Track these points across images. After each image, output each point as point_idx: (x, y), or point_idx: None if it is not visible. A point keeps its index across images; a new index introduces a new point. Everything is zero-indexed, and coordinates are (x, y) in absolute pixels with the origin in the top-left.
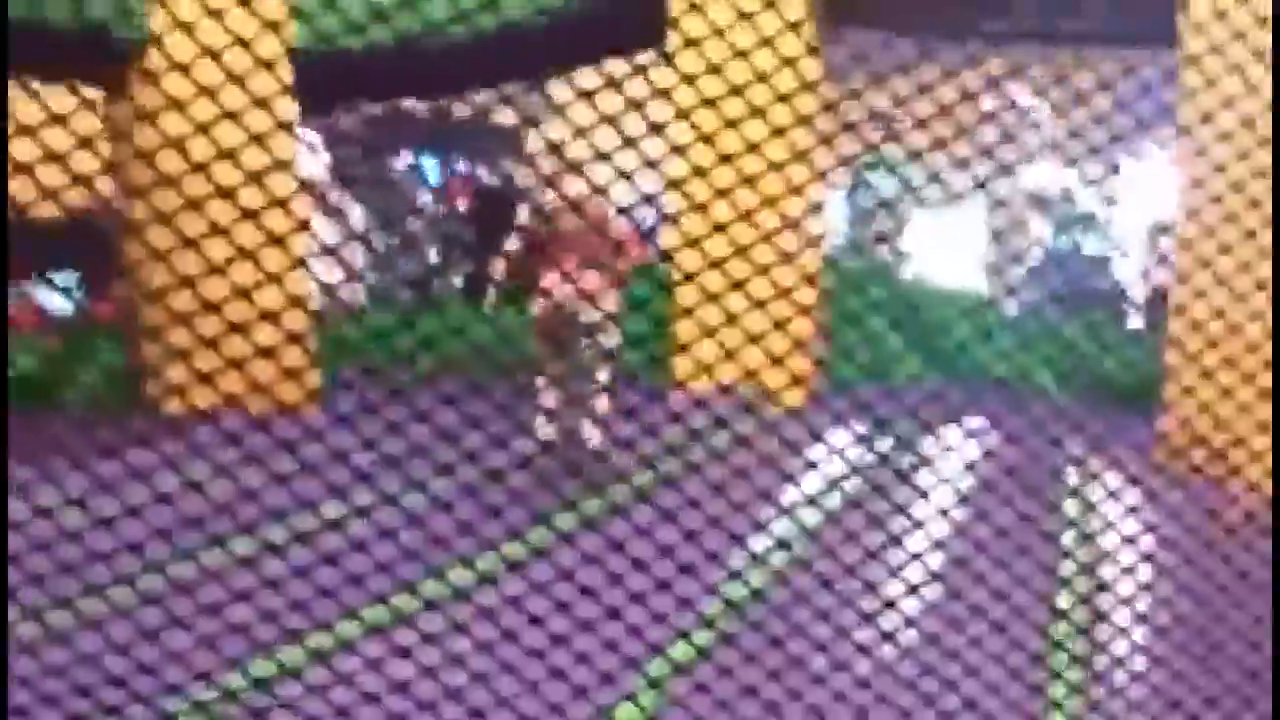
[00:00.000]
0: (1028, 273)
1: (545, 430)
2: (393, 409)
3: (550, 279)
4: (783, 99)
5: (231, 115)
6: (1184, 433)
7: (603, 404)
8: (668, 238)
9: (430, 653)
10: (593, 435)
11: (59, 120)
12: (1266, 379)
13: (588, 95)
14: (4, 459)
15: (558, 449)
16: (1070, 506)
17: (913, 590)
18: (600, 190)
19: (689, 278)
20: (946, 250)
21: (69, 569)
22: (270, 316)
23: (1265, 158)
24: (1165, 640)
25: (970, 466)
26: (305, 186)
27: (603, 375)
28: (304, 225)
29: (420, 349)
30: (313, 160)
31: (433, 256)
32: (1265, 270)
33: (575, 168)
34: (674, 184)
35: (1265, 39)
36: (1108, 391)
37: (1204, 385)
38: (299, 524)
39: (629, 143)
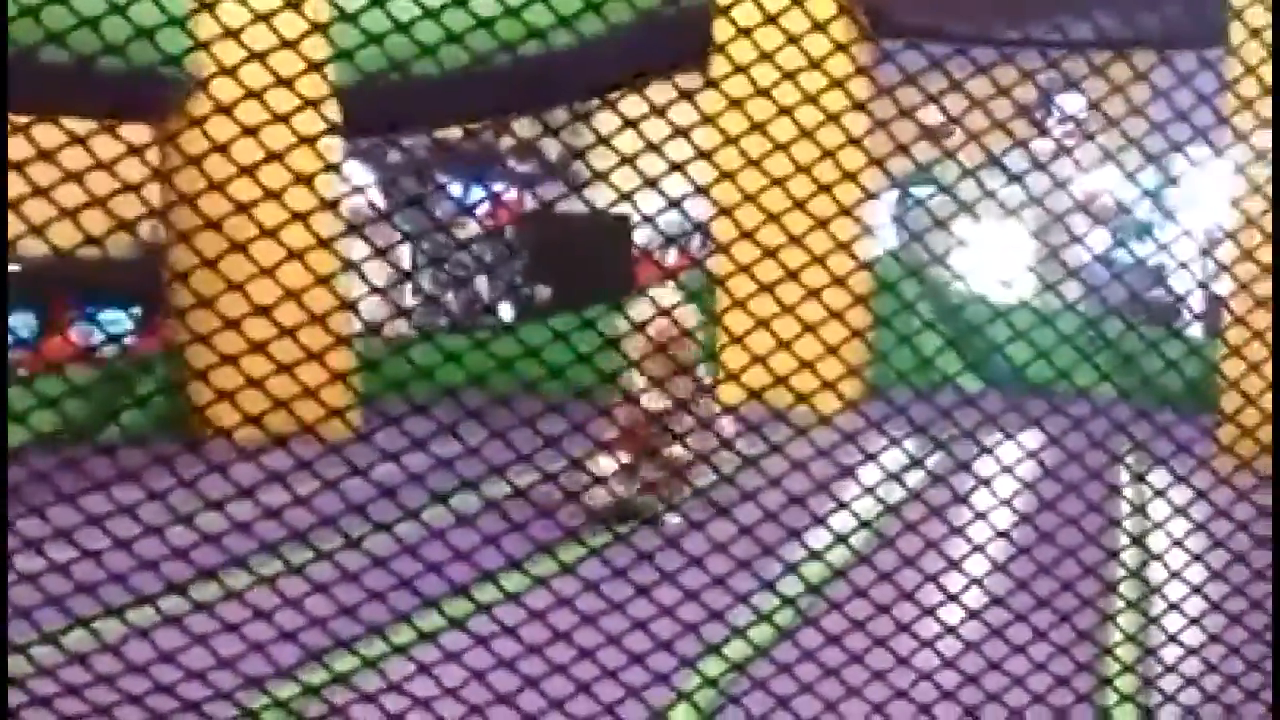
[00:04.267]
0: (1084, 284)
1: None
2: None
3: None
4: (832, 118)
5: (276, 156)
6: (1243, 441)
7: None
8: (713, 262)
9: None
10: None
11: (104, 166)
12: None
13: (632, 124)
14: (4, 462)
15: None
16: (1125, 514)
17: (972, 583)
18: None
19: (738, 303)
20: (1000, 262)
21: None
22: (312, 352)
23: None
24: (1219, 645)
25: (1021, 476)
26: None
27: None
28: (350, 265)
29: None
30: (359, 196)
31: (482, 287)
32: None
33: (624, 196)
34: (721, 210)
35: None
36: (1165, 400)
37: (1263, 392)
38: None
39: (676, 168)
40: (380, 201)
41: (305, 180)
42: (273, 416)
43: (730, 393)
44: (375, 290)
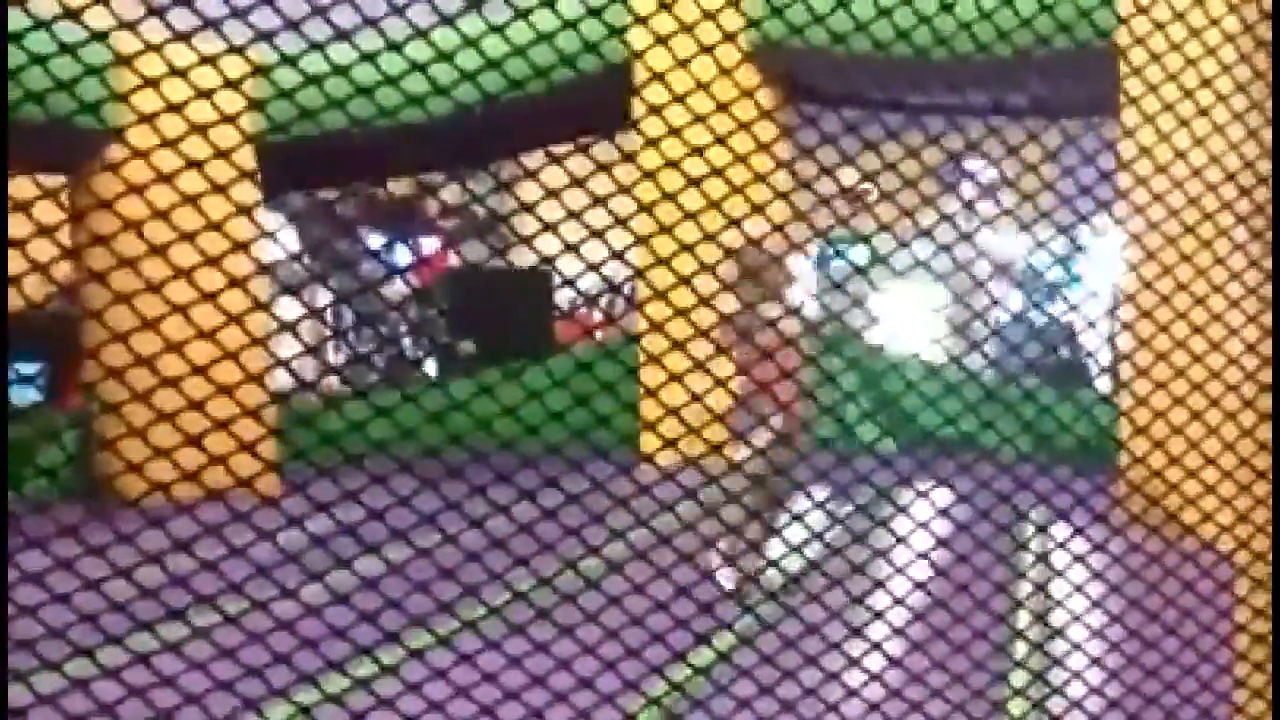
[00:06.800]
0: (993, 341)
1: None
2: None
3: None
4: (760, 178)
5: (190, 200)
6: (1139, 496)
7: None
8: (632, 317)
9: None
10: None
11: (21, 208)
12: (1212, 445)
13: (553, 194)
14: (4, 466)
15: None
16: (1027, 564)
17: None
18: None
19: (655, 359)
20: (912, 318)
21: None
22: (233, 400)
23: (1204, 225)
24: (1118, 683)
25: (928, 528)
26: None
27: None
28: (262, 306)
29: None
30: (278, 246)
31: (406, 338)
32: (1214, 335)
33: (546, 260)
34: (638, 271)
35: (1190, 109)
36: (1068, 456)
37: (1155, 450)
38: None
39: (596, 234)
40: (304, 261)
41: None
42: (207, 473)
43: (649, 442)
44: (308, 350)
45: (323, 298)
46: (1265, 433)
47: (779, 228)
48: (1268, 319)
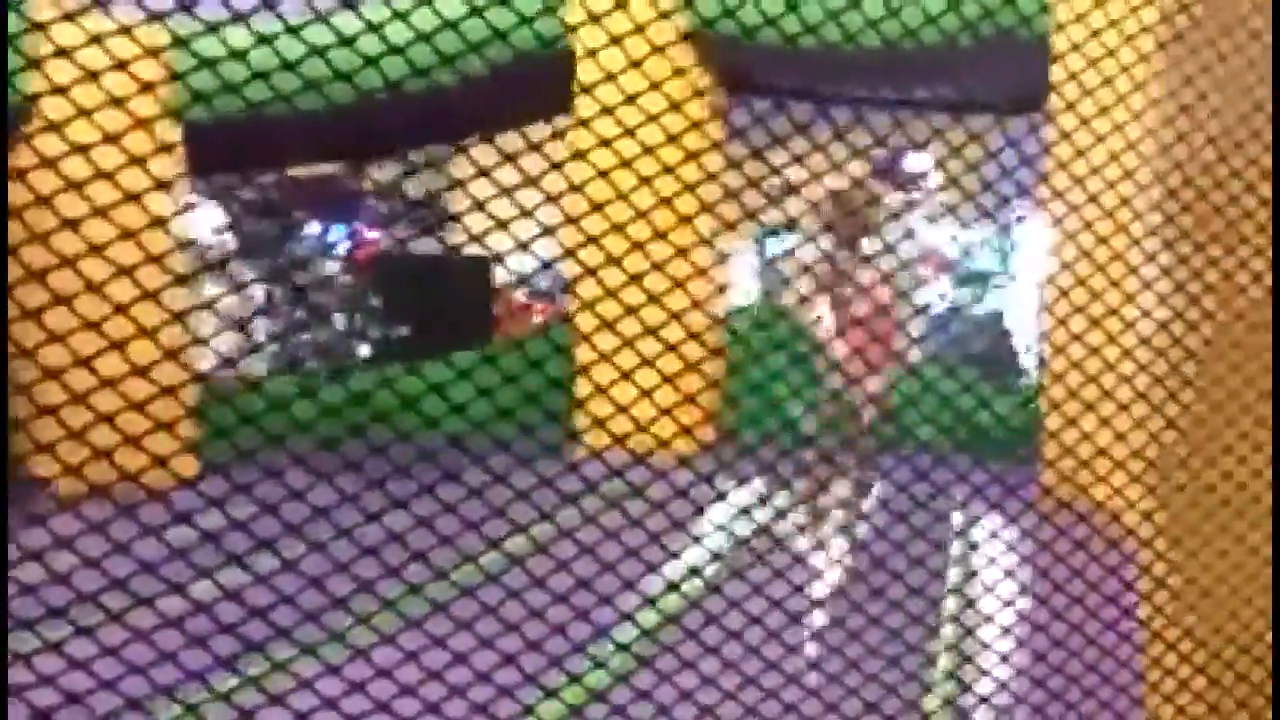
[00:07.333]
0: (924, 330)
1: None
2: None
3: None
4: (692, 156)
5: (105, 174)
6: (1060, 482)
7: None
8: (569, 301)
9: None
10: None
11: None
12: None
13: (484, 174)
14: (4, 464)
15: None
16: (955, 548)
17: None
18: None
19: (586, 337)
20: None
21: None
22: (150, 379)
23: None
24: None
25: (863, 516)
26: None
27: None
28: (182, 281)
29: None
30: (210, 228)
31: (340, 324)
32: (1131, 327)
33: (475, 238)
34: (570, 251)
35: (1121, 112)
36: (999, 446)
37: (1076, 437)
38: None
39: (526, 213)
40: (231, 241)
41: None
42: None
43: (595, 438)
44: (236, 326)
45: (251, 280)
46: (1173, 409)
47: (709, 208)
48: (1177, 300)
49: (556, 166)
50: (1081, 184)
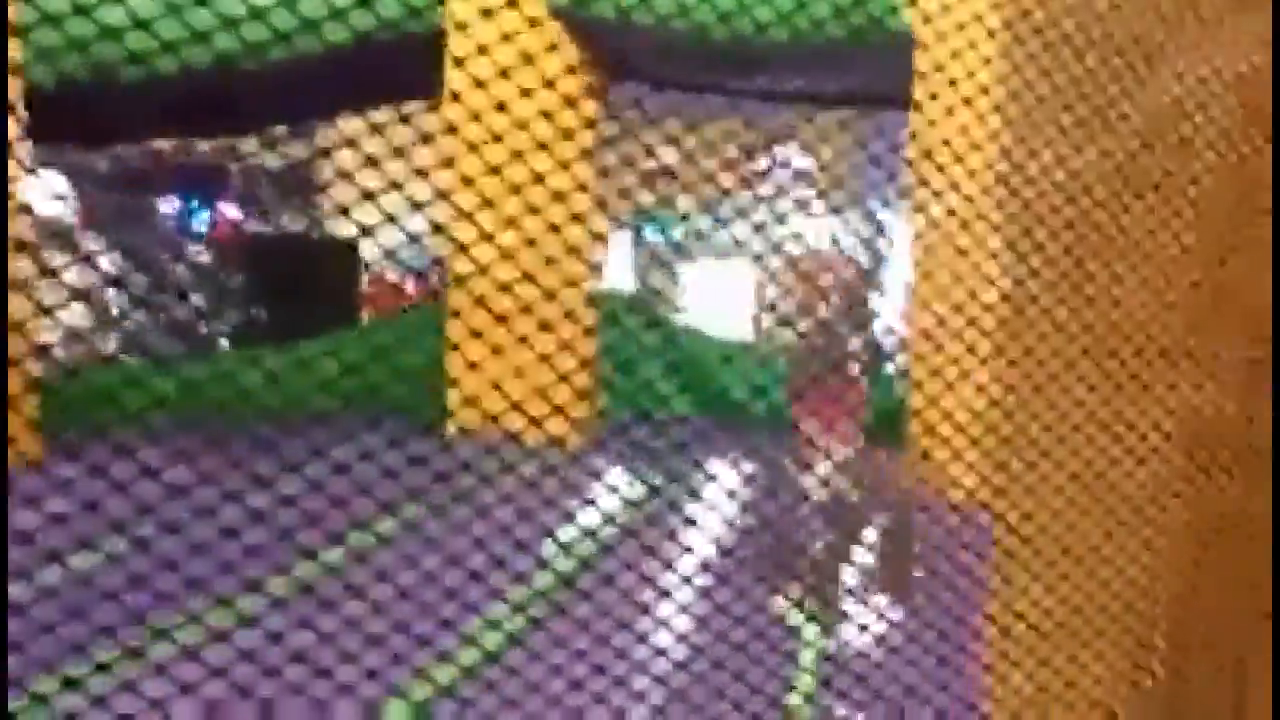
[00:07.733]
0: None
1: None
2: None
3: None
4: (566, 135)
5: None
6: (923, 466)
7: None
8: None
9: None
10: None
11: None
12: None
13: (351, 143)
14: (3, 461)
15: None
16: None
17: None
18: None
19: (456, 314)
20: (720, 298)
21: None
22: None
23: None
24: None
25: (733, 495)
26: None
27: None
28: (23, 247)
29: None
30: (56, 203)
31: (199, 303)
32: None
33: (343, 210)
34: (439, 227)
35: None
36: (869, 432)
37: (937, 424)
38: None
39: (397, 186)
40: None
41: None
42: None
43: (468, 417)
44: (78, 297)
45: (101, 254)
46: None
47: (585, 187)
48: (1006, 283)
49: (427, 140)
50: (943, 171)
